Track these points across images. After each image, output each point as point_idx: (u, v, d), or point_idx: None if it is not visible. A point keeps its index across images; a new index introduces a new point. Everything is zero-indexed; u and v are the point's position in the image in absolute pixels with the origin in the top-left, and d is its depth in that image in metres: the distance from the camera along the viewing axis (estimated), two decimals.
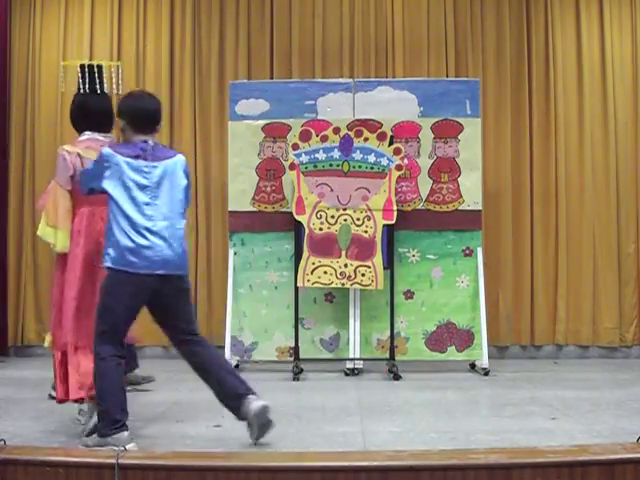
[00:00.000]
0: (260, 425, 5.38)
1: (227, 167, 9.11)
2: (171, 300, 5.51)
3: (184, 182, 5.58)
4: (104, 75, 6.51)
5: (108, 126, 6.26)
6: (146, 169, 5.43)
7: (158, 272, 5.34)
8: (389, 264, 8.62)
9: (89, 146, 6.01)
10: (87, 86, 6.37)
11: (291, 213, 8.68)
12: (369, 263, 8.55)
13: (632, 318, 9.81)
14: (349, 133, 8.69)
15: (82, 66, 6.43)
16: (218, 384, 5.54)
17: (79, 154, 5.95)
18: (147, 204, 5.40)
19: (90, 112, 6.22)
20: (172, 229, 5.44)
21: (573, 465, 4.30)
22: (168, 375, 7.97)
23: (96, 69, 6.44)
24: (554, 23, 10.01)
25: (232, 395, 5.49)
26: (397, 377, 8.18)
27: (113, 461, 4.29)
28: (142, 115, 5.60)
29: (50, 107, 10.07)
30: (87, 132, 6.13)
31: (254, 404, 5.41)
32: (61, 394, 5.83)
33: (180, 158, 5.63)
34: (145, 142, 5.51)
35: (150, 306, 5.53)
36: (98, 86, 6.38)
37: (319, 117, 8.89)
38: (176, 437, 5.58)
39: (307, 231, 8.61)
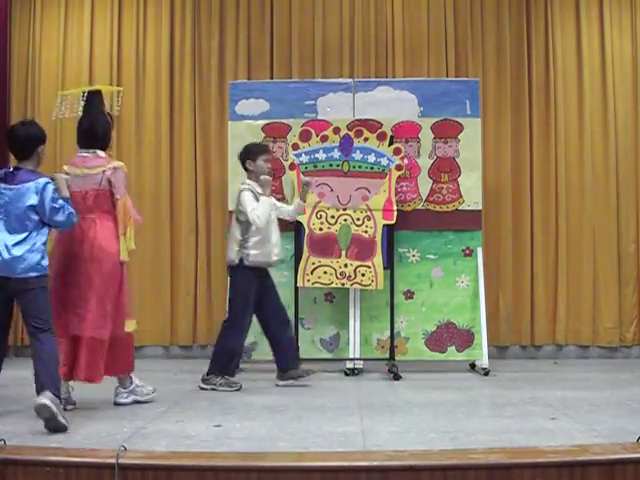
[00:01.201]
0: (44, 419, 5.68)
1: (227, 167, 9.10)
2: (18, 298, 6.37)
3: (31, 202, 6.09)
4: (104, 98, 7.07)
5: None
6: (3, 190, 6.15)
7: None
8: (389, 264, 8.62)
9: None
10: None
11: None
12: (369, 263, 8.56)
13: (632, 318, 9.81)
14: (349, 133, 8.69)
15: (90, 93, 6.99)
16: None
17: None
18: None
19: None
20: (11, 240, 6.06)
21: (573, 465, 4.31)
22: (168, 375, 7.97)
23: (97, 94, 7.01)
24: (554, 23, 10.02)
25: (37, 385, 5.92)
26: (397, 377, 8.17)
27: (113, 461, 4.30)
28: (10, 142, 6.30)
29: (50, 107, 9.97)
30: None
31: (37, 399, 5.75)
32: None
33: (37, 182, 6.12)
34: (8, 167, 6.31)
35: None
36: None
37: (319, 117, 8.89)
38: (176, 437, 5.57)
39: (307, 231, 8.61)
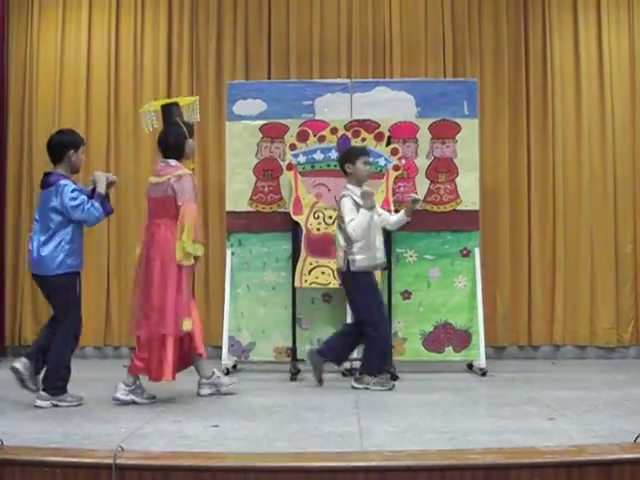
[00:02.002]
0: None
1: (225, 167, 9.11)
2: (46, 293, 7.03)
3: (53, 203, 6.78)
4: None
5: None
6: (40, 195, 6.96)
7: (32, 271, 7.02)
8: (386, 264, 8.62)
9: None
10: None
11: (288, 213, 8.69)
12: None
13: (629, 318, 9.82)
14: (346, 133, 8.70)
15: (164, 105, 7.48)
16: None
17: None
18: (35, 220, 6.99)
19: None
20: (38, 239, 6.83)
21: (571, 465, 4.31)
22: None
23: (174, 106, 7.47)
24: (552, 25, 10.02)
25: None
26: (395, 377, 8.17)
27: (110, 461, 4.30)
28: (47, 149, 7.05)
29: (48, 109, 10.07)
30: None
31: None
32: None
33: (57, 184, 6.79)
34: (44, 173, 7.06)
35: None
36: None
37: (317, 117, 8.89)
38: (174, 437, 5.57)
39: (304, 231, 8.62)
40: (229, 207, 8.95)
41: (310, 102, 9.00)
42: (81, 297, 7.08)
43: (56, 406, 6.70)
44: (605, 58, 9.96)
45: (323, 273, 8.59)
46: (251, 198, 8.93)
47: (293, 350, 8.64)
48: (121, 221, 9.90)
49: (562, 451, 4.60)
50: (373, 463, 4.39)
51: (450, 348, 8.76)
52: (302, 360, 8.47)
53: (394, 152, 8.68)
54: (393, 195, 8.64)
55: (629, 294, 9.83)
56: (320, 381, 7.86)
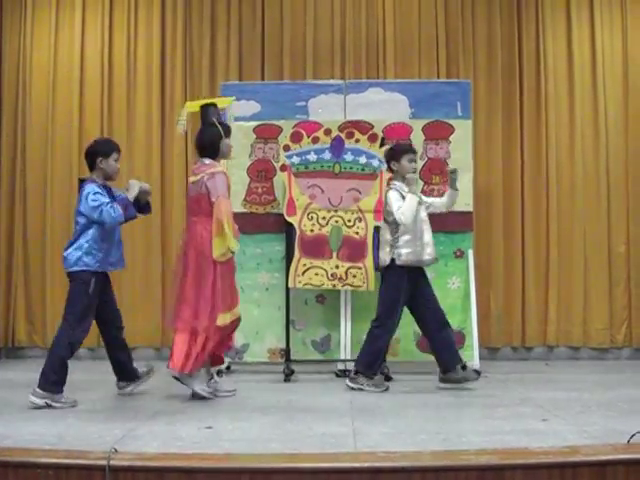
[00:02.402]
0: None
1: None
2: None
3: (79, 207, 7.09)
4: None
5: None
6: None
7: None
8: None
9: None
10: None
11: (282, 214, 8.68)
12: (360, 264, 8.55)
13: (623, 319, 9.82)
14: (340, 134, 8.69)
15: (202, 106, 7.61)
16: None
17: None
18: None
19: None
20: (68, 241, 7.21)
21: (564, 466, 4.32)
22: (160, 376, 7.94)
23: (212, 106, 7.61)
24: (545, 26, 10.03)
25: None
26: (388, 378, 8.17)
27: (104, 463, 4.29)
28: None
29: (41, 109, 10.06)
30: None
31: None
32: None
33: (83, 188, 7.11)
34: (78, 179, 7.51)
35: None
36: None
37: (310, 118, 8.89)
38: (167, 438, 5.57)
39: (298, 232, 8.60)
40: None
41: (304, 103, 9.00)
42: (94, 302, 7.07)
43: (50, 406, 6.69)
44: (598, 58, 9.97)
45: (317, 274, 8.59)
46: (245, 199, 8.93)
47: (287, 351, 8.63)
48: None
49: (555, 452, 4.61)
50: (366, 464, 4.39)
51: None
52: (295, 361, 8.47)
53: None
54: None
55: (622, 295, 9.84)
56: (471, 378, 7.80)
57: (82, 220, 7.04)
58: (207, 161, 7.40)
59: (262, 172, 8.93)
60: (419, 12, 10.07)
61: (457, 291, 8.82)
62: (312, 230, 8.60)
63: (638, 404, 6.73)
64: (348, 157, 8.64)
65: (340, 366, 8.63)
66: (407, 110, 8.97)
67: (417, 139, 8.87)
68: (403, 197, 7.70)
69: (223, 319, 7.19)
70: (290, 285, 8.61)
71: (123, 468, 4.35)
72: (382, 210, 8.44)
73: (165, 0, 10.16)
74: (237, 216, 8.73)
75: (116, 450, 4.47)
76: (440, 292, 8.69)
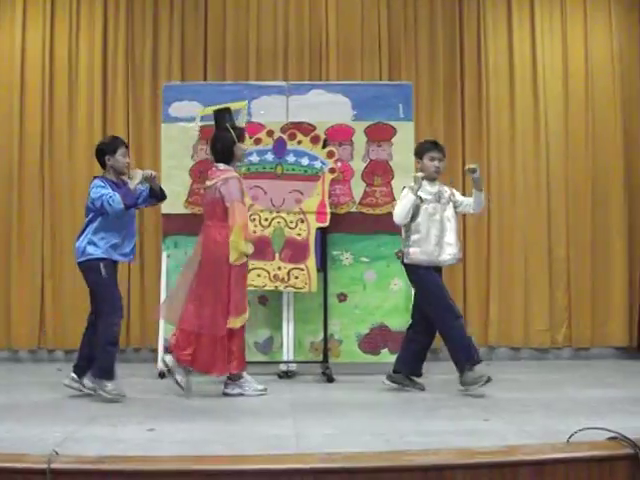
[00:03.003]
0: None
1: (160, 169, 9.05)
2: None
3: (86, 201, 7.33)
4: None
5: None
6: None
7: None
8: (322, 267, 8.64)
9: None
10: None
11: None
12: (302, 266, 8.57)
13: (563, 320, 9.95)
14: (282, 136, 8.71)
15: (215, 111, 7.77)
16: None
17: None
18: None
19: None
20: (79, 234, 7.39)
21: (504, 465, 4.34)
22: None
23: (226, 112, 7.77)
24: (486, 27, 10.14)
25: None
26: (331, 379, 8.19)
27: (44, 466, 4.24)
28: None
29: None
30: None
31: None
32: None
33: (90, 185, 7.35)
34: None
35: None
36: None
37: (253, 120, 8.88)
38: (109, 441, 5.53)
39: None
40: (165, 209, 8.88)
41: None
42: (113, 282, 7.30)
43: (96, 392, 7.15)
44: (539, 58, 10.14)
45: (259, 275, 8.59)
46: (187, 200, 8.91)
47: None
48: (55, 221, 9.80)
49: (496, 451, 4.63)
50: (309, 465, 4.39)
51: (386, 350, 8.80)
52: None
53: (330, 155, 8.71)
54: (329, 198, 8.66)
55: (562, 297, 9.96)
56: (421, 389, 7.76)
57: (90, 213, 7.28)
58: (221, 166, 7.57)
59: (204, 173, 8.87)
60: (362, 14, 10.11)
61: (399, 292, 8.86)
62: (254, 231, 8.59)
63: (577, 404, 6.81)
64: (290, 158, 8.66)
65: (283, 367, 8.63)
66: (349, 112, 8.99)
67: (359, 141, 8.91)
68: (420, 197, 7.55)
69: (233, 323, 7.37)
70: None
71: (64, 471, 4.30)
72: (324, 212, 8.47)
73: None
74: (179, 217, 8.80)
75: (57, 453, 4.42)
76: (382, 293, 8.79)
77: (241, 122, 8.01)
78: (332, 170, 8.68)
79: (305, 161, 8.64)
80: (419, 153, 7.83)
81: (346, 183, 8.87)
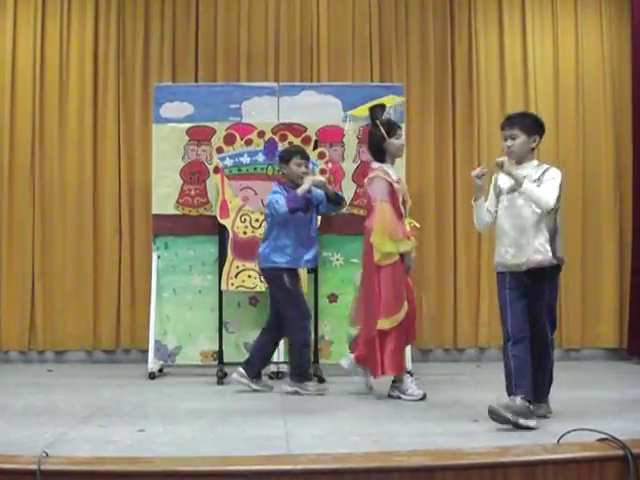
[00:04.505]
0: None
1: (151, 170, 9.05)
2: None
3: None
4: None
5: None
6: None
7: None
8: (313, 268, 8.64)
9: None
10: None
11: (215, 217, 8.67)
12: None
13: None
14: (273, 137, 8.71)
15: (370, 108, 7.72)
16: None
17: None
18: None
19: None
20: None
21: (495, 466, 4.34)
22: (90, 380, 7.90)
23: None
24: (477, 28, 10.13)
25: None
26: (321, 380, 8.19)
27: (35, 467, 4.24)
28: None
29: None
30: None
31: None
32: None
33: None
34: None
35: None
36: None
37: (244, 121, 8.88)
38: (99, 442, 5.52)
39: (231, 235, 8.60)
40: (155, 210, 8.89)
41: (237, 105, 8.98)
42: (295, 292, 7.73)
43: (298, 393, 7.58)
44: (529, 59, 10.11)
45: (249, 276, 8.58)
46: (177, 201, 8.89)
47: (220, 354, 8.62)
48: (45, 222, 9.75)
49: (486, 452, 4.64)
50: (299, 466, 4.39)
51: None
52: (228, 364, 8.45)
53: (321, 156, 8.71)
54: None
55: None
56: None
57: (268, 219, 7.73)
58: (374, 165, 7.56)
59: (195, 174, 8.90)
60: (353, 15, 10.10)
61: None
62: (245, 232, 8.60)
63: (567, 404, 6.81)
64: None
65: (273, 368, 8.62)
66: (340, 113, 8.99)
67: (350, 142, 8.90)
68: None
69: (381, 324, 7.29)
70: (223, 287, 8.60)
71: (54, 472, 4.30)
72: None
73: None
74: (169, 218, 8.79)
75: (47, 454, 4.41)
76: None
77: (398, 119, 8.10)
78: (323, 171, 8.67)
79: None
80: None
81: (337, 184, 8.84)
